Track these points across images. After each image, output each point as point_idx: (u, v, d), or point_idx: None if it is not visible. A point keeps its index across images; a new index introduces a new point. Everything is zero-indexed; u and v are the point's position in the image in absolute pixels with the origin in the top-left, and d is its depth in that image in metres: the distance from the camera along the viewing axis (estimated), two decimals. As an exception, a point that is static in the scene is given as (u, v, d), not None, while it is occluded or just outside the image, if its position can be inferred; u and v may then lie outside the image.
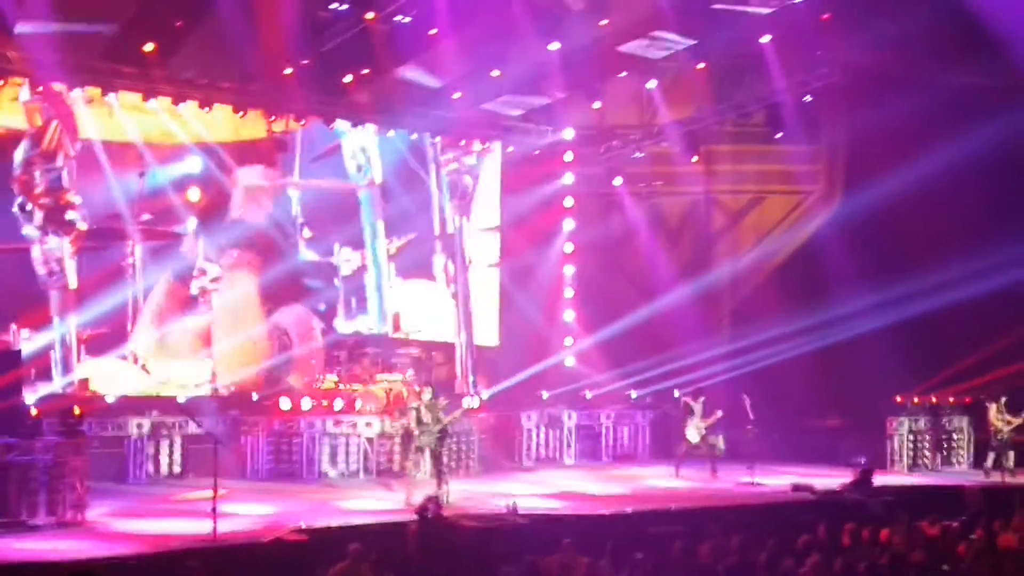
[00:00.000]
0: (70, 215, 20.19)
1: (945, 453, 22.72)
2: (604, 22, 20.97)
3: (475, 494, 18.18)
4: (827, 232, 24.66)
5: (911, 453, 22.37)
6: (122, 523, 15.59)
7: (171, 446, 19.77)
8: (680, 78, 24.16)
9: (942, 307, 21.69)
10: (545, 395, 24.22)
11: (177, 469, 19.78)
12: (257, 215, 22.31)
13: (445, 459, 17.82)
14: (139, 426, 19.43)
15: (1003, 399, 21.19)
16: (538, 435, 23.16)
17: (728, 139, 25.75)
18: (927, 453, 22.52)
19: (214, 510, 14.22)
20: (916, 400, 22.76)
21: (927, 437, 22.53)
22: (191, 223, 21.49)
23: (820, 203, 25.61)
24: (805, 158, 25.45)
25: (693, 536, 13.40)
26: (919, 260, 22.26)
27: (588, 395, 24.57)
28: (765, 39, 21.89)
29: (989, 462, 21.18)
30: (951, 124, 21.91)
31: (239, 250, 22.05)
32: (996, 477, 20.79)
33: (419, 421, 17.59)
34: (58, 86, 19.87)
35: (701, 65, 23.22)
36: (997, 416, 21.08)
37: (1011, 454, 20.95)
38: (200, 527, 14.35)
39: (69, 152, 20.14)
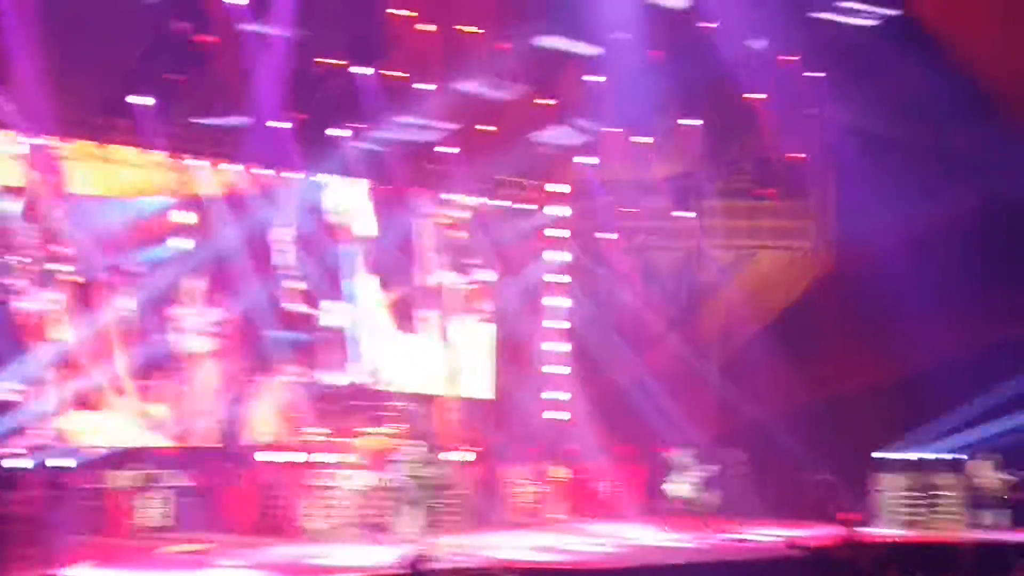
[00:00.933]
0: (63, 268, 20.21)
1: (935, 509, 22.61)
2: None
3: (464, 548, 18.06)
4: (818, 288, 24.74)
5: (902, 509, 22.30)
6: (106, 577, 15.48)
7: (155, 498, 19.67)
8: (674, 134, 24.34)
9: (932, 363, 21.73)
10: (534, 449, 24.13)
11: (162, 522, 19.64)
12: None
13: (435, 513, 17.70)
14: (122, 478, 19.36)
15: (996, 456, 21.09)
16: (527, 489, 23.06)
17: (721, 194, 25.88)
18: (918, 508, 22.43)
19: (200, 564, 14.11)
20: (907, 456, 22.70)
21: (917, 492, 22.45)
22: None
23: (811, 259, 25.73)
24: (797, 213, 25.60)
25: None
26: (910, 317, 22.30)
27: (577, 449, 24.47)
28: (758, 97, 22.04)
29: (986, 519, 21.04)
30: (942, 184, 22.06)
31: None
32: (989, 533, 20.65)
33: (410, 475, 17.53)
34: (52, 140, 20.00)
35: (695, 121, 23.42)
36: (990, 473, 20.98)
37: (1008, 512, 20.81)
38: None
39: (60, 206, 20.20)
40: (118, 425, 20.71)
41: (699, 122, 23.40)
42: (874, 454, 22.56)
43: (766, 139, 23.18)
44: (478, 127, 22.54)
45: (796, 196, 25.12)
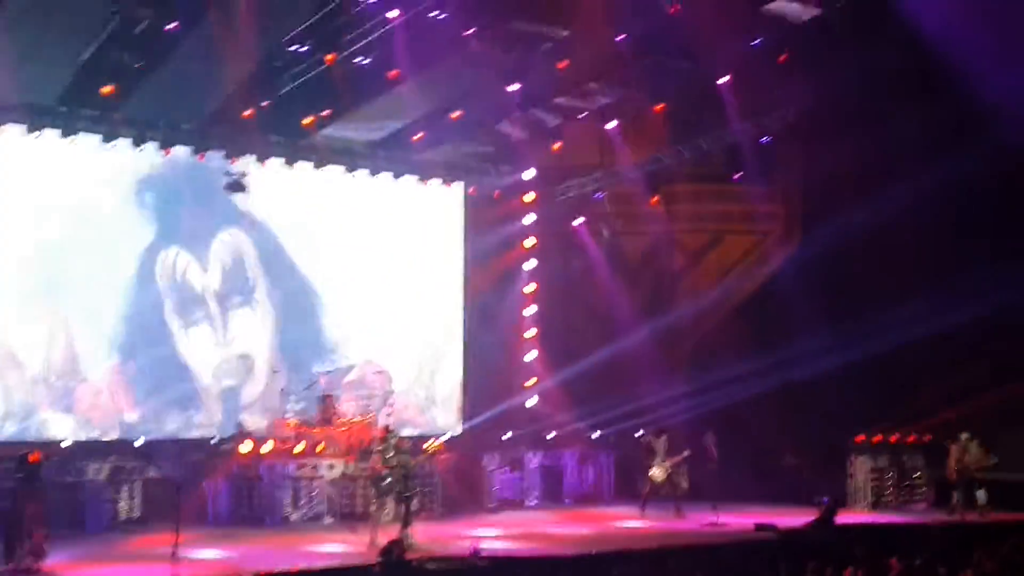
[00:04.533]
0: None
1: (906, 491, 22.78)
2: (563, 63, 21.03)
3: (438, 536, 18.08)
4: (786, 271, 24.81)
5: (873, 491, 22.46)
6: (81, 571, 15.35)
7: (131, 491, 19.54)
8: (639, 119, 24.28)
9: (900, 346, 21.82)
10: (508, 436, 24.16)
11: (137, 514, 19.50)
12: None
13: (411, 502, 17.68)
14: (97, 471, 19.22)
15: (968, 438, 21.08)
16: (501, 476, 23.07)
17: (687, 179, 25.93)
18: (888, 491, 22.60)
19: (174, 556, 14.05)
20: (877, 438, 22.84)
21: (888, 475, 22.62)
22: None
23: (779, 242, 25.84)
24: (764, 198, 25.64)
25: (658, 576, 13.39)
26: (877, 299, 22.42)
27: (551, 436, 24.52)
28: (723, 80, 22.05)
29: (956, 500, 21.13)
30: (907, 165, 22.10)
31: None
32: (961, 515, 20.72)
33: (384, 463, 17.52)
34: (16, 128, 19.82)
35: (660, 106, 23.38)
36: (969, 455, 20.98)
37: (981, 492, 20.90)
38: (160, 573, 14.17)
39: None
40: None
41: (664, 107, 23.32)
42: (846, 437, 22.69)
43: (731, 123, 23.10)
44: (445, 113, 22.39)
45: (762, 180, 25.13)
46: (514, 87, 21.65)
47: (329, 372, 22.97)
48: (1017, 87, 19.56)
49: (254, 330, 23.00)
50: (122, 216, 21.58)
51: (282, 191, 23.00)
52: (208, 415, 22.19)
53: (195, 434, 21.71)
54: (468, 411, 24.90)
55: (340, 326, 23.83)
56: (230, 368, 22.55)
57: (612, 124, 24.26)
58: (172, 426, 21.67)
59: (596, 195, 25.79)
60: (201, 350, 22.29)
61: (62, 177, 20.77)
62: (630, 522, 20.63)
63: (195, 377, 22.17)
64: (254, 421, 21.85)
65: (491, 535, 18.39)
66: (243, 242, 22.91)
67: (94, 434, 20.73)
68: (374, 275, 24.16)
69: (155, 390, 21.56)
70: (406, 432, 20.35)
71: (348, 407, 22.19)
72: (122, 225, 21.56)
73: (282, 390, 21.87)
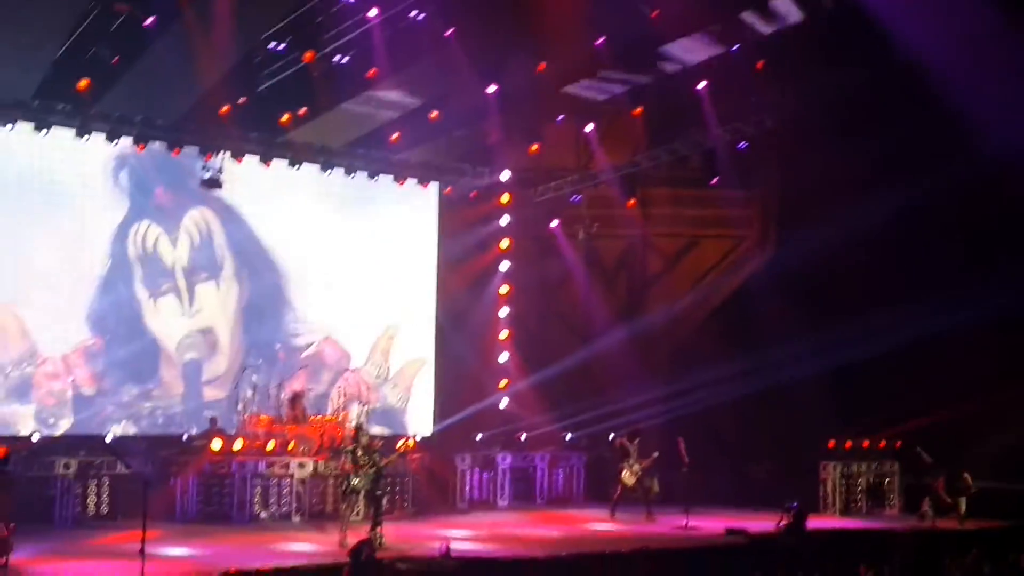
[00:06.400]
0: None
1: (876, 497, 22.86)
2: (542, 66, 21.05)
3: (409, 536, 18.04)
4: (761, 277, 24.87)
5: (843, 497, 22.53)
6: (47, 566, 15.19)
7: (99, 487, 19.44)
8: (617, 122, 24.34)
9: (873, 353, 21.90)
10: (480, 437, 24.14)
11: (105, 510, 19.41)
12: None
13: (381, 501, 17.64)
14: (66, 466, 19.12)
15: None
16: (472, 477, 23.06)
17: (664, 183, 25.96)
18: (859, 497, 22.68)
19: (142, 552, 13.97)
20: (848, 444, 22.92)
21: (859, 481, 22.70)
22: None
23: (754, 248, 25.88)
24: (740, 203, 25.67)
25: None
26: (850, 306, 22.47)
27: (523, 437, 24.51)
28: (701, 85, 22.10)
29: (925, 507, 21.18)
30: (884, 174, 22.18)
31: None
32: (932, 522, 20.77)
33: (355, 463, 17.48)
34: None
35: (638, 110, 23.40)
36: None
37: (962, 500, 20.93)
38: (128, 570, 14.08)
39: None
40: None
41: (641, 110, 23.33)
42: (818, 443, 22.75)
43: (709, 128, 23.16)
44: (422, 113, 22.34)
45: (739, 185, 25.19)
46: (492, 88, 21.67)
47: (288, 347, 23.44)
48: (994, 99, 19.67)
49: (219, 306, 23.08)
50: (95, 195, 21.69)
51: (257, 185, 23.00)
52: (166, 388, 22.31)
53: (150, 405, 21.90)
54: (440, 411, 24.87)
55: (307, 311, 23.92)
56: (194, 342, 22.67)
57: (590, 127, 24.34)
58: (126, 397, 21.74)
59: (573, 197, 25.83)
60: (167, 321, 22.43)
61: (34, 162, 20.78)
62: (601, 525, 20.62)
63: (160, 349, 22.30)
64: (215, 395, 22.08)
65: (462, 536, 18.35)
66: (213, 221, 22.95)
67: (51, 419, 20.78)
68: (346, 269, 24.21)
69: (121, 363, 21.69)
70: (354, 408, 20.81)
71: (300, 382, 22.46)
72: (95, 204, 21.66)
73: (242, 367, 22.27)
